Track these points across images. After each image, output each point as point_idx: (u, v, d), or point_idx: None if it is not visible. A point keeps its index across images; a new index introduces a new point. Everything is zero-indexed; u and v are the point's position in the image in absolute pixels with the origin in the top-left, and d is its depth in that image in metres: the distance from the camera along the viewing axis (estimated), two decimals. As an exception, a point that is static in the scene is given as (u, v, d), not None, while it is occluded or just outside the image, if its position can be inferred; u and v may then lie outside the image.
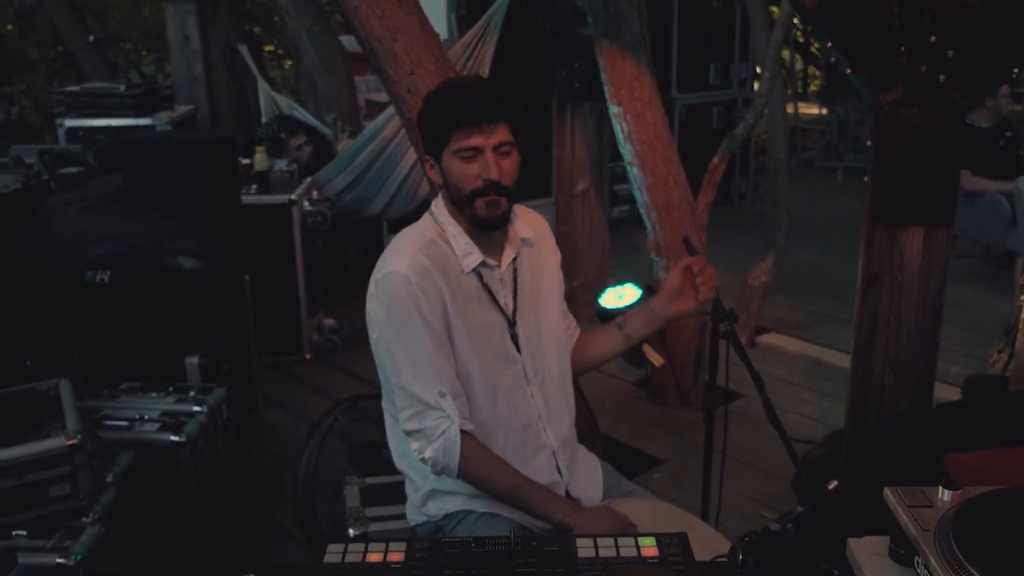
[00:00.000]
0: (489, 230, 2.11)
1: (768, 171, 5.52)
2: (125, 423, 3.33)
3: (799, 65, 12.91)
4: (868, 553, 1.44)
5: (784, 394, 4.44)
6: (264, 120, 6.07)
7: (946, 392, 3.38)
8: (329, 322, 5.28)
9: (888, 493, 1.44)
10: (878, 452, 2.84)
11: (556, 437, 2.22)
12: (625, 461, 2.80)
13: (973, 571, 1.22)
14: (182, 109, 5.70)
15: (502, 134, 2.02)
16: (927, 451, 2.83)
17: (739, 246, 6.27)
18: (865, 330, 2.88)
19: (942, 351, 2.90)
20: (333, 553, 1.42)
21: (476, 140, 2.00)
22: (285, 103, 6.22)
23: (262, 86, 6.29)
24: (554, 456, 2.20)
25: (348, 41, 6.59)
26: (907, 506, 1.40)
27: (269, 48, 10.56)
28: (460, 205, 2.08)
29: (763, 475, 3.82)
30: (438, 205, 2.17)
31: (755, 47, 6.08)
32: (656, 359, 2.50)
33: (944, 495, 1.42)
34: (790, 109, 9.90)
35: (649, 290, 3.83)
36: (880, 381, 2.87)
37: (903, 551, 1.38)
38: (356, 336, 5.22)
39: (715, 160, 4.58)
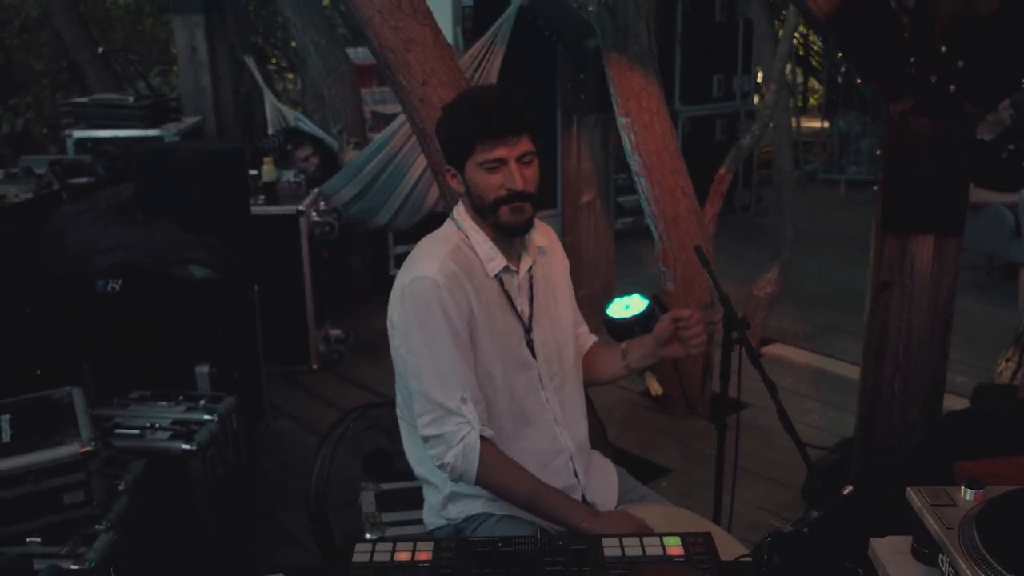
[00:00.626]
0: (513, 235, 2.15)
1: (773, 183, 5.55)
2: (136, 431, 3.34)
3: (800, 79, 12.96)
4: (891, 552, 1.45)
5: (790, 404, 4.39)
6: (271, 131, 6.10)
7: (952, 402, 3.39)
8: (336, 332, 5.29)
9: (911, 493, 1.46)
10: (888, 460, 2.86)
11: (572, 441, 2.25)
12: (633, 470, 2.81)
13: (998, 567, 1.23)
14: (189, 120, 5.72)
15: (525, 145, 2.08)
16: (936, 459, 2.85)
17: (742, 257, 6.29)
18: (875, 338, 2.90)
19: (949, 362, 2.92)
20: (361, 552, 1.43)
21: (500, 152, 2.05)
22: (291, 115, 6.24)
23: (269, 98, 6.32)
24: (571, 460, 2.23)
25: (354, 53, 6.64)
26: (931, 505, 1.42)
27: (272, 62, 10.61)
28: (484, 213, 2.12)
29: (771, 484, 3.83)
30: (460, 212, 2.20)
31: (760, 59, 6.12)
32: (655, 389, 2.54)
33: (967, 494, 1.44)
34: (792, 123, 9.95)
35: (655, 300, 3.85)
36: (890, 389, 2.89)
37: (926, 550, 1.40)
38: (362, 347, 5.24)
39: (722, 171, 4.61)
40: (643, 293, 4.06)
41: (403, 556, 1.42)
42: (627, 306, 4.47)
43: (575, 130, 5.36)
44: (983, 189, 5.79)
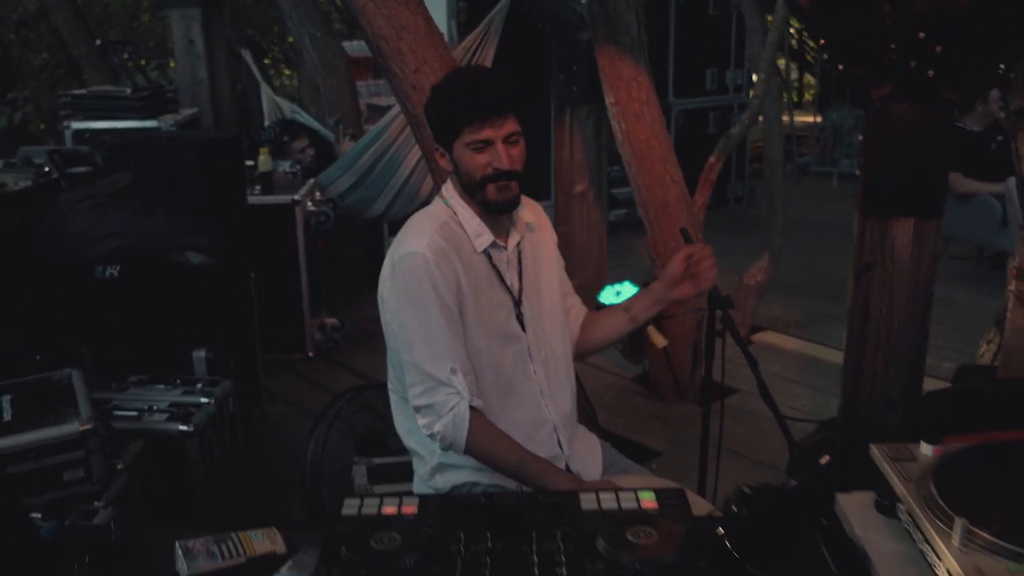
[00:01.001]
0: (500, 213, 2.21)
1: (764, 174, 5.61)
2: (135, 413, 3.40)
3: (795, 75, 13.01)
4: (855, 506, 1.52)
5: (778, 389, 4.50)
6: (267, 123, 6.16)
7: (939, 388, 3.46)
8: (331, 321, 5.35)
9: (874, 449, 1.53)
10: (870, 438, 2.92)
11: (558, 413, 2.30)
12: (622, 452, 2.89)
13: (952, 513, 1.30)
14: (186, 112, 5.79)
15: (511, 125, 2.13)
16: (919, 436, 2.91)
17: (735, 248, 6.34)
18: (857, 319, 2.96)
19: (936, 348, 2.98)
20: (350, 506, 1.50)
21: (487, 133, 2.10)
22: (288, 107, 6.31)
23: (265, 90, 6.39)
24: (556, 431, 2.29)
25: (349, 46, 6.70)
26: (892, 459, 1.49)
27: (268, 59, 10.67)
28: (472, 191, 2.18)
29: (756, 465, 3.90)
30: (449, 190, 2.26)
31: (751, 51, 6.18)
32: (659, 341, 2.59)
33: (927, 449, 1.50)
34: (785, 118, 10.03)
35: (645, 286, 3.93)
36: (872, 368, 2.95)
37: (888, 502, 1.46)
38: (358, 335, 5.30)
39: (711, 159, 4.67)
40: (633, 282, 4.14)
41: (390, 510, 1.48)
42: (618, 292, 4.54)
43: (568, 121, 5.41)
44: (972, 180, 5.87)
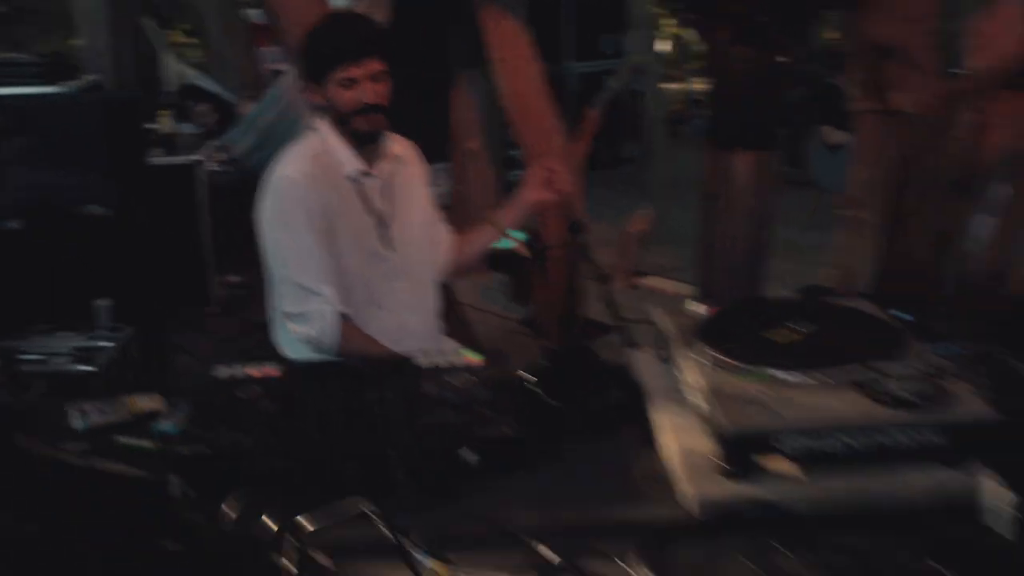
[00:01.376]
0: (368, 142, 2.49)
1: (643, 127, 5.93)
2: (39, 357, 3.56)
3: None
4: (642, 359, 1.83)
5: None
6: (170, 89, 6.28)
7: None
8: (235, 279, 5.50)
9: (657, 311, 1.84)
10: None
11: (423, 325, 2.61)
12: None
13: (702, 344, 1.61)
14: (89, 78, 5.86)
15: (375, 65, 2.42)
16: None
17: (628, 206, 6.64)
18: (705, 244, 3.30)
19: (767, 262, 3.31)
20: (221, 372, 1.75)
21: (354, 72, 2.39)
22: (191, 73, 6.43)
23: (166, 58, 6.49)
24: (421, 341, 2.56)
25: (255, 13, 6.83)
26: (671, 317, 1.80)
27: (177, 35, 10.65)
28: (343, 122, 2.45)
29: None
30: (321, 123, 2.52)
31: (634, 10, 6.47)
32: (524, 252, 2.92)
33: (699, 308, 1.82)
34: (684, 85, 10.42)
35: (530, 232, 4.19)
36: (718, 289, 3.30)
37: (664, 351, 1.77)
38: (261, 291, 5.45)
39: (590, 111, 4.95)
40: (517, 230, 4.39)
41: (256, 373, 1.74)
42: (505, 241, 4.80)
43: (463, 81, 5.64)
44: (841, 131, 6.29)
